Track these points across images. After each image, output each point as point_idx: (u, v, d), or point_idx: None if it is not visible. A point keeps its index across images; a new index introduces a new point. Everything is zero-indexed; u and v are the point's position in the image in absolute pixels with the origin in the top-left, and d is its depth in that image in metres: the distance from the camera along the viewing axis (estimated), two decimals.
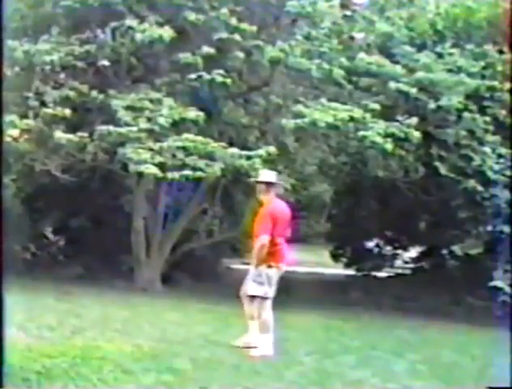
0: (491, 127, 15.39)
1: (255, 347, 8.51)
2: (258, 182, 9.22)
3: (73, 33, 15.61)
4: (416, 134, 14.68)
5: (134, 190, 17.17)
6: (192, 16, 15.04)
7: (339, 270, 24.32)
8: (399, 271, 22.41)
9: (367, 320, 14.44)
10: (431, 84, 15.43)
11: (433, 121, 15.59)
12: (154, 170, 13.61)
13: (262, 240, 8.51)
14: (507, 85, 15.59)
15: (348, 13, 16.21)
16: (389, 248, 22.75)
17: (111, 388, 6.44)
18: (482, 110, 15.54)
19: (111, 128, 14.10)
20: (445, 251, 19.52)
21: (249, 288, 8.67)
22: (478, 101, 15.61)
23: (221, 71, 14.64)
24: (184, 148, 14.02)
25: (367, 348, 10.22)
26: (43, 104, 14.71)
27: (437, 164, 15.36)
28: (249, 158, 14.19)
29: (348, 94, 15.95)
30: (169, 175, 13.87)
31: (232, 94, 16.46)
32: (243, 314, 8.88)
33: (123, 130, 13.99)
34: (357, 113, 14.56)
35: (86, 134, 14.37)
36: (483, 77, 15.89)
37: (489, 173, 15.03)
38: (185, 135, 14.12)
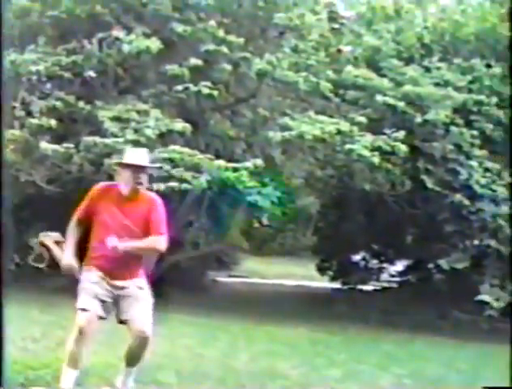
0: (478, 141, 15.47)
1: None
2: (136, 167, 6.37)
3: (59, 43, 15.53)
4: (403, 148, 14.69)
5: None
6: (179, 28, 15.02)
7: (325, 283, 24.25)
8: (385, 284, 22.35)
9: (353, 334, 14.40)
10: (418, 98, 15.48)
11: (420, 134, 15.63)
12: None
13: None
14: (494, 99, 15.67)
15: (336, 26, 16.25)
16: (375, 261, 22.69)
17: None
18: (469, 124, 15.62)
19: (97, 139, 14.01)
20: (431, 265, 19.45)
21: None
22: (465, 115, 15.70)
23: (208, 83, 14.60)
24: (170, 160, 13.96)
25: (353, 362, 10.18)
26: (29, 114, 14.61)
27: (424, 177, 15.40)
28: (235, 170, 14.16)
29: (335, 107, 15.99)
30: (155, 186, 13.80)
31: (218, 106, 16.44)
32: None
33: (109, 141, 13.90)
34: (344, 125, 14.57)
35: (72, 145, 14.26)
36: (470, 91, 15.97)
37: (476, 187, 15.08)
38: (172, 147, 14.08)
